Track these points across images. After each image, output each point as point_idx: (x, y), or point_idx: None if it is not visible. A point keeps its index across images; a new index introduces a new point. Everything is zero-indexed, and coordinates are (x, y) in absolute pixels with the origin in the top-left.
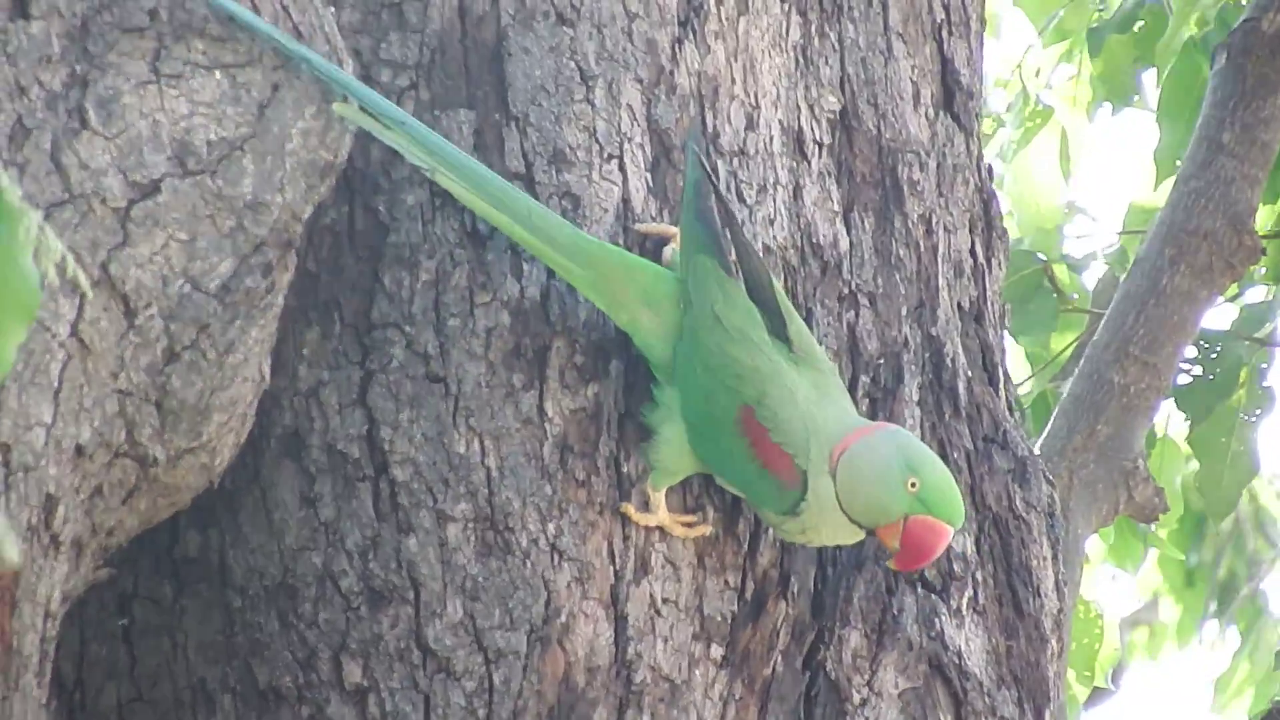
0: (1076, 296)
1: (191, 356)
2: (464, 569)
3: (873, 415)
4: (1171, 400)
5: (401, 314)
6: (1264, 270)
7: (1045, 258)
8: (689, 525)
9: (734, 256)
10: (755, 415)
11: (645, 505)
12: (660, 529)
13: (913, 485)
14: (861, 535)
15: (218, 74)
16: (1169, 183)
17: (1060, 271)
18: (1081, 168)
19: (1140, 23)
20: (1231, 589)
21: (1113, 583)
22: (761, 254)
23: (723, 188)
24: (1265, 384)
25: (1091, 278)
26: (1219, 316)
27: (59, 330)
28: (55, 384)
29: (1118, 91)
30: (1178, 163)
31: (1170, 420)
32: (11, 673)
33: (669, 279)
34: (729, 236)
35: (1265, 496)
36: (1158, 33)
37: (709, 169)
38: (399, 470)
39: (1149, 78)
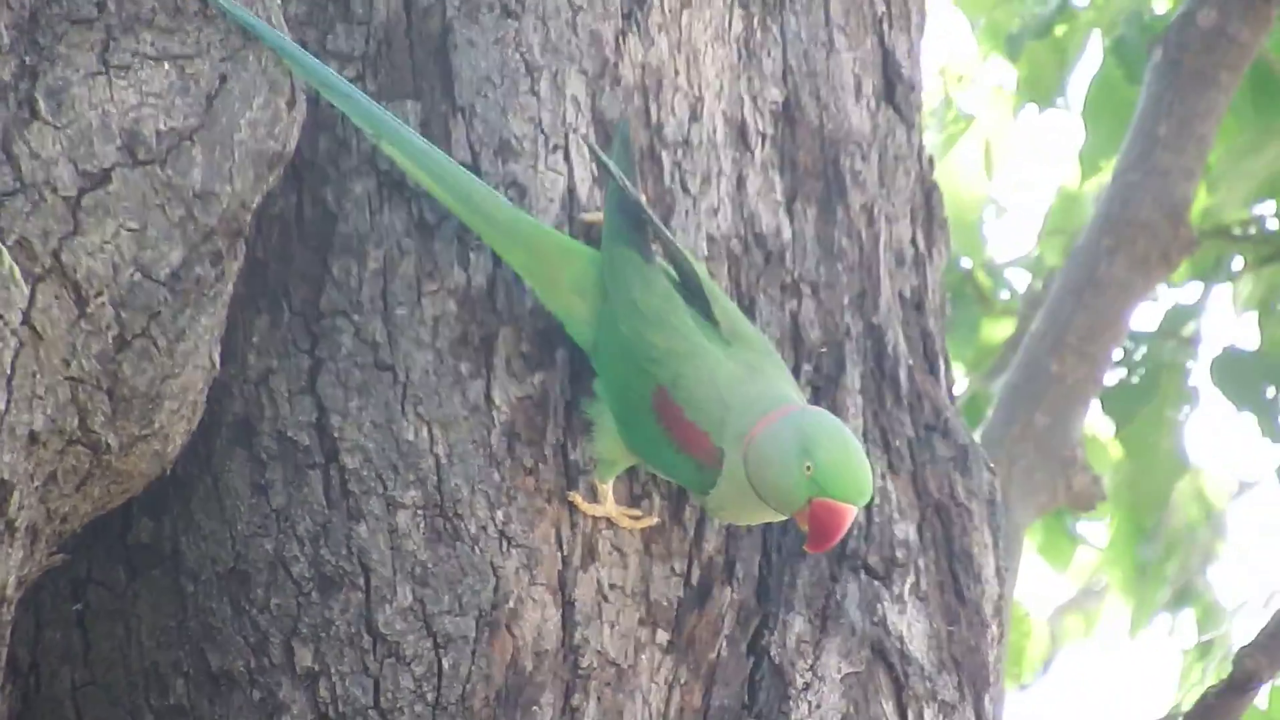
0: (1007, 295)
1: (142, 344)
2: (413, 555)
3: (815, 403)
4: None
5: (350, 302)
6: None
7: (971, 262)
8: (635, 517)
9: (656, 245)
10: (670, 395)
11: (593, 495)
12: (608, 520)
13: (808, 469)
14: (781, 517)
15: (166, 65)
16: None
17: (982, 276)
18: (1006, 166)
19: (1063, 27)
20: (1184, 581)
21: (1041, 576)
22: (705, 243)
23: (667, 178)
24: (1191, 383)
25: (1020, 276)
26: (1142, 317)
27: (11, 318)
28: (8, 371)
29: (1041, 94)
30: (1103, 163)
31: (1099, 417)
32: None
33: (599, 266)
34: (650, 227)
35: (1214, 494)
36: (1078, 37)
37: (623, 162)
38: (349, 458)
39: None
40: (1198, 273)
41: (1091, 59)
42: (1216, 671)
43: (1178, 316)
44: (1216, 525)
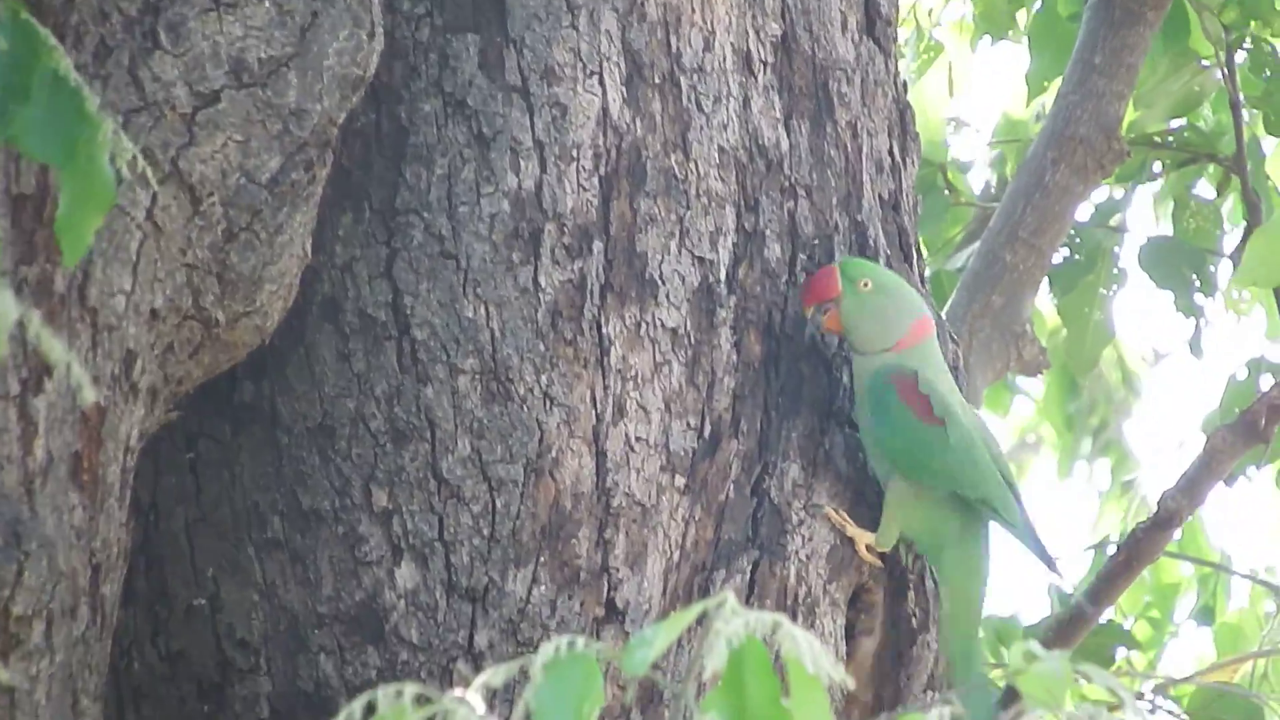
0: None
1: (246, 237)
2: (472, 413)
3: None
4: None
5: (420, 202)
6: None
7: (939, 161)
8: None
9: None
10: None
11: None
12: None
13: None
14: None
15: (267, 2)
16: (1039, 99)
17: (951, 174)
18: (967, 89)
19: None
20: (1102, 432)
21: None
22: (716, 154)
23: (684, 99)
24: (1120, 265)
25: (975, 179)
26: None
27: (137, 214)
28: (134, 259)
29: (996, 26)
30: (1045, 84)
31: (1045, 300)
32: (98, 498)
33: None
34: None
35: (1132, 360)
36: None
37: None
38: (418, 331)
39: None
40: (1125, 175)
41: None
42: (1135, 510)
43: (1108, 209)
44: (1133, 387)
